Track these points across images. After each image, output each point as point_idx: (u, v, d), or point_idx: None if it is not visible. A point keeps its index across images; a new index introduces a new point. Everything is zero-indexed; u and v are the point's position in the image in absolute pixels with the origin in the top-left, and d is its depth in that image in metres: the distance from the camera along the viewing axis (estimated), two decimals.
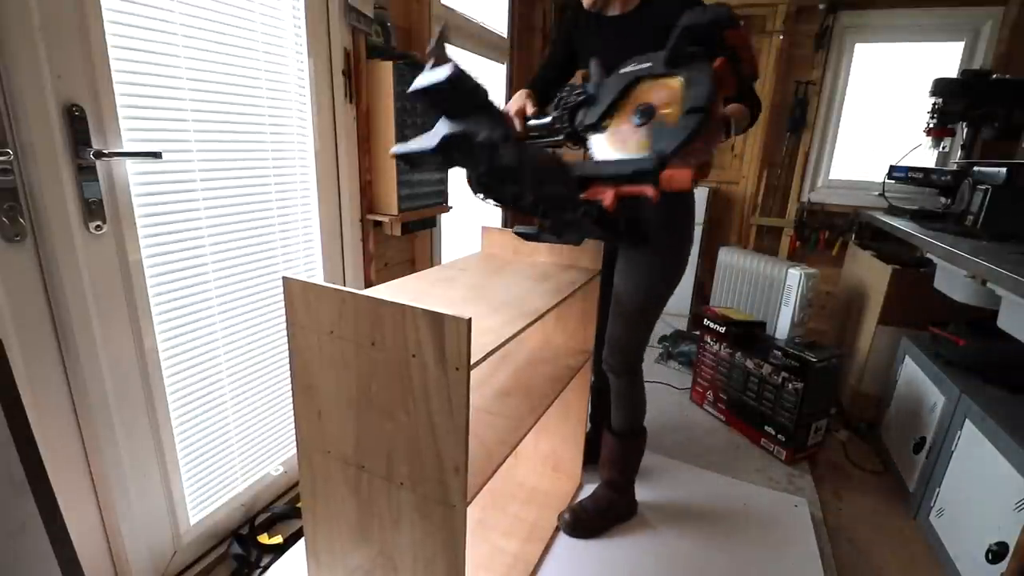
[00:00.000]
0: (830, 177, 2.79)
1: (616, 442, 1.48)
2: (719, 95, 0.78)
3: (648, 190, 0.80)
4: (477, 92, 0.77)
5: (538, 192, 0.89)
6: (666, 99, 0.82)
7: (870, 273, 2.15)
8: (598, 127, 0.93)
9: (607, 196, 0.85)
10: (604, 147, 0.93)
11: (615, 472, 1.52)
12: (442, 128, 0.81)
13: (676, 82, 0.82)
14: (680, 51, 0.82)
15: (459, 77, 0.73)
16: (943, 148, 2.23)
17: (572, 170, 0.89)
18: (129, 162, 1.02)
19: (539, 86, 1.36)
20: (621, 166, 0.83)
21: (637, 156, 0.84)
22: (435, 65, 0.76)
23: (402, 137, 1.65)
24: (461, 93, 0.77)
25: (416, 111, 1.69)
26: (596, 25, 1.27)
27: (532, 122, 1.11)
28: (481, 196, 0.93)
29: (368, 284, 1.74)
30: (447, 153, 0.82)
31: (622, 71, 0.90)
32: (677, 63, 0.82)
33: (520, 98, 1.20)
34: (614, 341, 1.40)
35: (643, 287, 1.34)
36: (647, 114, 0.84)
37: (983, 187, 1.75)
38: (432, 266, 1.76)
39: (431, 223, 1.92)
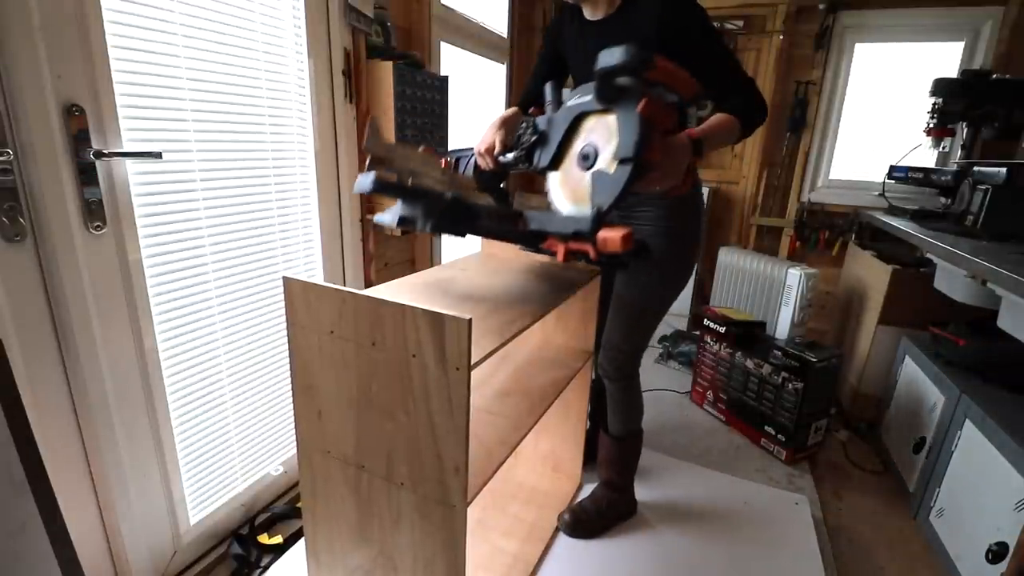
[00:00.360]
0: (830, 177, 2.79)
1: (613, 444, 1.48)
2: (653, 133, 0.76)
3: (589, 249, 0.82)
4: (405, 189, 0.85)
5: (508, 237, 0.95)
6: (606, 137, 0.82)
7: (870, 273, 2.15)
8: (553, 167, 0.94)
9: (559, 251, 0.88)
10: (558, 192, 0.94)
11: (613, 473, 1.51)
12: (397, 209, 0.89)
13: (613, 119, 0.81)
14: (606, 91, 0.82)
15: (381, 187, 0.82)
16: (943, 148, 2.23)
17: (528, 221, 0.94)
18: (129, 162, 1.02)
19: (530, 97, 1.36)
20: (563, 224, 0.86)
21: (578, 214, 0.86)
22: (369, 166, 0.88)
23: (402, 137, 1.65)
24: (392, 191, 0.84)
25: (416, 111, 1.69)
26: (579, 28, 1.24)
27: (501, 159, 1.10)
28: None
29: (368, 284, 1.74)
30: (409, 225, 0.89)
31: (568, 103, 0.89)
32: (608, 100, 0.82)
33: (491, 132, 1.15)
34: (610, 346, 1.38)
35: (644, 292, 1.31)
36: (590, 157, 0.84)
37: (983, 187, 1.75)
38: (432, 266, 1.76)
39: None
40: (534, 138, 0.98)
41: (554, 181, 0.95)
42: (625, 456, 1.49)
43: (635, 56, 0.74)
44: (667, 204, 1.22)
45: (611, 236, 0.77)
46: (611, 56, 0.76)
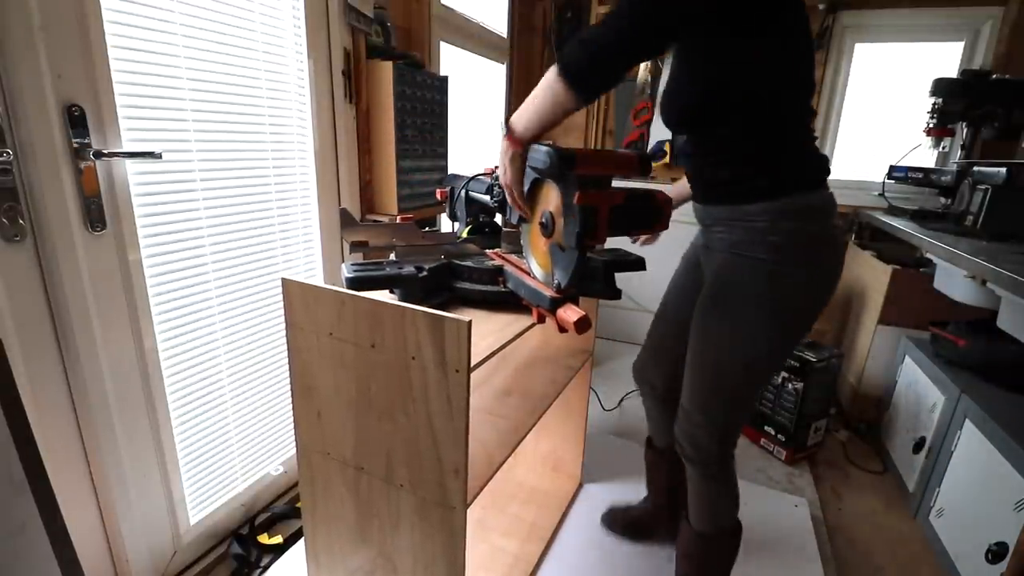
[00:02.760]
0: (830, 177, 2.79)
1: (694, 538, 1.11)
2: (598, 217, 0.76)
3: (554, 322, 0.84)
4: (379, 280, 0.88)
5: (488, 298, 0.98)
6: (559, 209, 0.82)
7: (870, 273, 2.15)
8: (523, 220, 0.96)
9: (534, 313, 0.90)
10: (528, 248, 0.95)
11: (692, 569, 1.14)
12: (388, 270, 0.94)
13: (561, 194, 0.81)
14: (546, 177, 0.83)
15: (358, 285, 0.86)
16: (943, 148, 2.22)
17: (507, 279, 0.97)
18: (129, 162, 1.02)
19: None
20: (531, 294, 0.88)
21: (544, 279, 0.89)
22: (351, 249, 0.97)
23: (402, 137, 1.65)
24: (368, 286, 0.87)
25: (416, 111, 1.69)
26: None
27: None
28: None
29: None
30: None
31: (527, 164, 0.89)
32: (553, 177, 0.82)
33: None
34: (683, 411, 1.04)
35: (721, 347, 0.96)
36: (548, 227, 0.85)
37: (983, 187, 1.75)
38: None
39: (431, 223, 1.92)
40: (501, 197, 1.00)
41: (526, 233, 0.97)
42: (710, 556, 1.13)
43: (555, 163, 0.74)
44: (763, 224, 0.88)
45: (566, 318, 0.80)
46: (537, 157, 0.78)
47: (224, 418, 1.32)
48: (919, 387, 1.73)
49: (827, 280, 0.93)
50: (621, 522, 1.47)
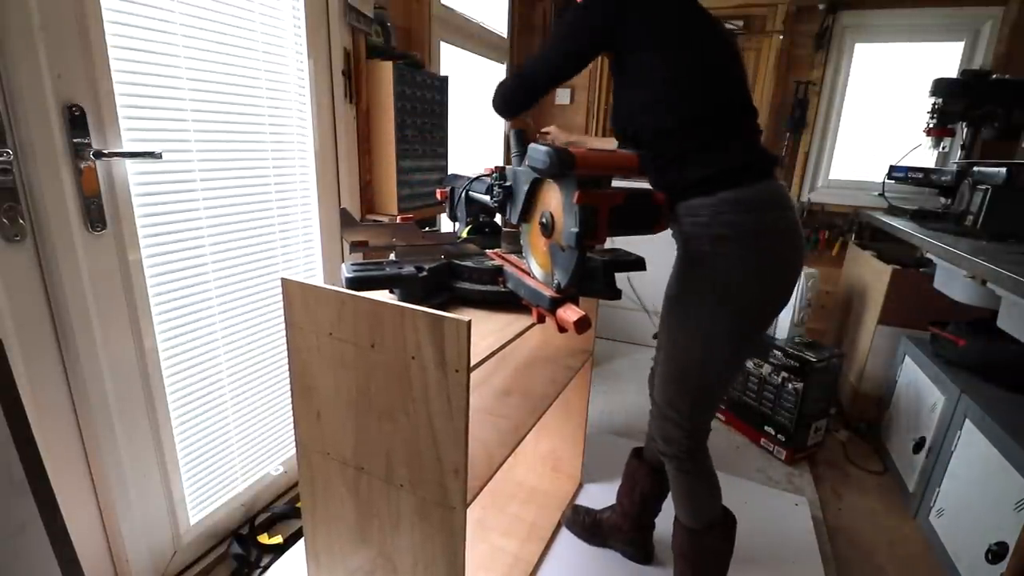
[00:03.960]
0: (830, 177, 2.79)
1: (684, 535, 1.14)
2: (597, 216, 0.76)
3: (554, 322, 0.84)
4: (380, 280, 0.89)
5: (488, 298, 0.99)
6: (559, 209, 0.82)
7: (870, 273, 2.15)
8: (524, 220, 0.97)
9: (534, 313, 0.90)
10: (529, 248, 0.96)
11: (687, 568, 1.16)
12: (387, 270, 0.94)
13: (561, 193, 0.82)
14: (546, 177, 0.84)
15: (357, 285, 0.86)
16: (943, 148, 2.22)
17: (507, 279, 0.97)
18: (129, 162, 1.02)
19: None
20: (531, 294, 0.89)
21: (543, 279, 0.89)
22: (352, 249, 0.97)
23: (402, 137, 1.65)
24: (368, 285, 0.88)
25: (416, 111, 1.69)
26: None
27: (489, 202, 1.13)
28: None
29: None
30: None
31: (526, 164, 0.88)
32: (553, 176, 0.82)
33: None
34: (654, 402, 1.11)
35: (675, 341, 1.02)
36: (547, 227, 0.86)
37: (983, 187, 1.75)
38: None
39: (431, 223, 1.92)
40: (502, 196, 1.00)
41: (526, 233, 0.97)
42: (703, 551, 1.13)
43: (555, 163, 0.74)
44: (704, 218, 0.94)
45: (566, 318, 0.80)
46: (537, 157, 0.78)
47: (224, 418, 1.32)
48: (919, 387, 1.73)
49: (775, 271, 0.97)
50: (582, 524, 1.47)
